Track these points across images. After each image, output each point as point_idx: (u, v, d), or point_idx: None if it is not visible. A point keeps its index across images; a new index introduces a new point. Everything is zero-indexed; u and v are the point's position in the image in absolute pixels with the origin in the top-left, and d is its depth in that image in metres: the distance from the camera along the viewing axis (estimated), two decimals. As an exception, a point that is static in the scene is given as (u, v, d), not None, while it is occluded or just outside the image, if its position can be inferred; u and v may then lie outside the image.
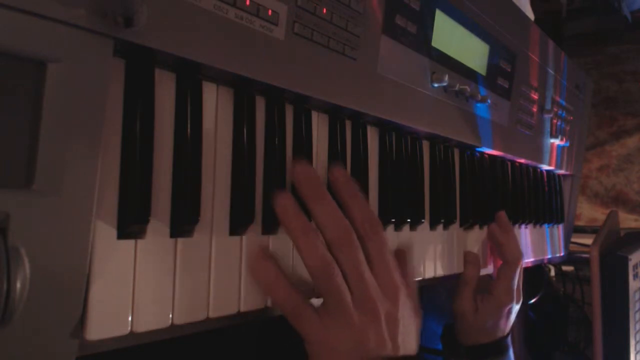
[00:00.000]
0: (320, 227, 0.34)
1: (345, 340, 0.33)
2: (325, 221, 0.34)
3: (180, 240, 0.30)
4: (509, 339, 0.61)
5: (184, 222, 0.30)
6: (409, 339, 0.36)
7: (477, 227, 0.61)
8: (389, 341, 0.34)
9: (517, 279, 0.60)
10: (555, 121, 0.77)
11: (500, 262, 0.61)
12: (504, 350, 0.59)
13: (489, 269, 0.63)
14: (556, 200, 0.84)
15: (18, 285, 0.22)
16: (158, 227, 0.29)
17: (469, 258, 0.58)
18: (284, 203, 0.33)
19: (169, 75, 0.30)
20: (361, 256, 0.34)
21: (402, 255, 0.43)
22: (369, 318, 0.33)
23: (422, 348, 0.96)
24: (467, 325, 0.59)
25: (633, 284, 0.83)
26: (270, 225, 0.35)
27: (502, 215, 0.62)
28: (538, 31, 0.68)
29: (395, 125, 0.47)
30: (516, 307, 0.61)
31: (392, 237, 0.47)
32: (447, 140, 0.55)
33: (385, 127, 0.47)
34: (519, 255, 0.60)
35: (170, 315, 0.29)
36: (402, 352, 0.35)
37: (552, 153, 0.78)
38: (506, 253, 0.60)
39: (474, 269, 0.58)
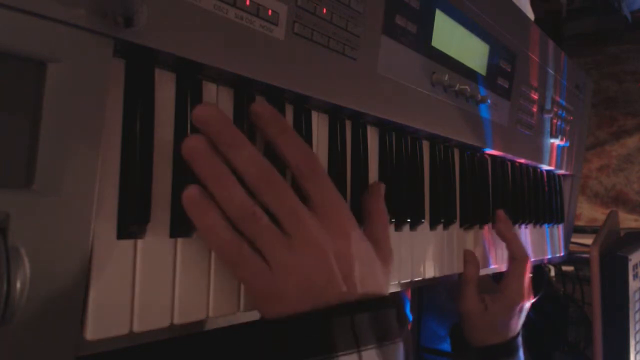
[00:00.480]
0: (240, 174, 0.30)
1: (291, 285, 0.30)
2: (243, 166, 0.30)
3: (180, 240, 0.30)
4: (520, 339, 0.60)
5: (183, 222, 0.30)
6: (369, 279, 0.33)
7: (477, 227, 0.61)
8: (342, 281, 0.31)
9: (528, 276, 0.60)
10: (555, 121, 0.77)
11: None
12: (515, 351, 0.58)
13: (488, 269, 0.63)
14: (556, 200, 0.84)
15: (18, 285, 0.22)
16: (158, 227, 0.29)
17: (468, 257, 0.58)
18: (194, 145, 0.29)
19: (169, 75, 0.30)
20: (291, 194, 0.31)
21: (376, 187, 0.41)
22: (314, 258, 0.30)
23: (422, 348, 0.96)
24: (475, 326, 0.58)
25: (633, 284, 0.83)
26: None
27: (502, 213, 0.62)
28: (538, 31, 0.68)
29: (395, 125, 0.47)
30: (527, 306, 0.60)
31: (393, 237, 0.47)
32: (447, 140, 0.55)
33: (385, 127, 0.47)
34: (527, 252, 0.60)
35: (170, 315, 0.29)
36: (361, 291, 0.32)
37: (552, 153, 0.78)
38: (515, 250, 0.60)
39: (474, 267, 0.58)
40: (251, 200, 0.30)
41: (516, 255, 0.60)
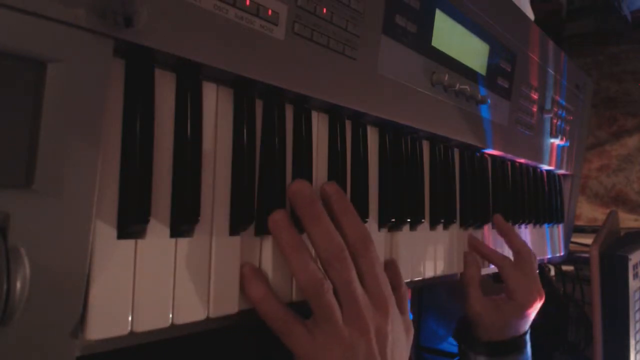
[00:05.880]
0: (314, 245, 0.35)
1: (335, 354, 0.33)
2: (319, 240, 0.35)
3: (180, 240, 0.30)
4: (528, 335, 0.60)
5: (184, 222, 0.30)
6: (398, 352, 0.37)
7: (477, 227, 0.61)
8: (378, 355, 0.35)
9: (536, 273, 0.60)
10: (555, 121, 0.77)
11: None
12: (523, 347, 0.59)
13: (488, 269, 0.63)
14: (556, 200, 0.84)
15: (18, 285, 0.22)
16: (158, 227, 0.29)
17: (468, 258, 0.58)
18: (277, 218, 0.34)
19: (169, 75, 0.30)
20: (353, 274, 0.35)
21: (393, 266, 0.44)
22: (359, 333, 0.34)
23: (422, 348, 0.96)
24: (483, 326, 0.58)
25: (633, 284, 0.83)
26: (266, 227, 0.35)
27: (498, 217, 0.63)
28: (538, 31, 0.68)
29: (395, 125, 0.47)
30: (539, 306, 0.60)
31: (393, 237, 0.47)
32: (447, 140, 0.55)
33: (385, 127, 0.47)
34: (530, 248, 0.60)
35: (170, 315, 0.29)
36: None
37: (552, 153, 0.78)
38: (518, 247, 0.60)
39: (475, 268, 0.58)
40: (321, 273, 0.34)
41: (520, 252, 0.60)
